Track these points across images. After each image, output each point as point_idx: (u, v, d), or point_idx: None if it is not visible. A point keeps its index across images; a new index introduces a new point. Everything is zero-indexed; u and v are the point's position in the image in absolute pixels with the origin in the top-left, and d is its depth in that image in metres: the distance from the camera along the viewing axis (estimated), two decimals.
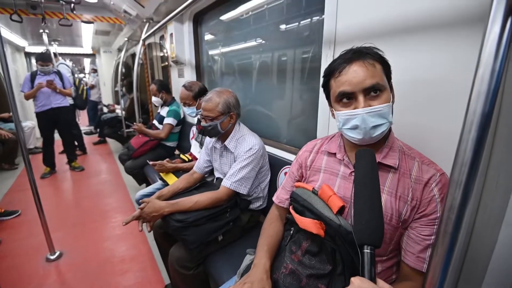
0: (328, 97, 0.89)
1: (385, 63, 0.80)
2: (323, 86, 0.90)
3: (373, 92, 0.76)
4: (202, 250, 1.37)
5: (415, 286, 0.76)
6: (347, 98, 0.79)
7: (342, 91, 0.78)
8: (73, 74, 5.19)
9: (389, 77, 0.81)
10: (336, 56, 0.86)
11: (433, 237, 0.74)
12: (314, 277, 0.78)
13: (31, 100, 3.71)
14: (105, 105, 5.85)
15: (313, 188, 0.85)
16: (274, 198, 1.15)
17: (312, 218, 0.78)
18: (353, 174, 0.87)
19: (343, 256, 0.73)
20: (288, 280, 0.84)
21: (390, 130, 0.85)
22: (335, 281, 0.75)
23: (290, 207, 0.90)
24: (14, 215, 2.80)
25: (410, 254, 0.77)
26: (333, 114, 0.89)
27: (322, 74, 1.31)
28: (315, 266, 0.79)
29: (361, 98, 0.76)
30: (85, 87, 5.28)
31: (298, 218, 0.82)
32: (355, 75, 0.76)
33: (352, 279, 0.58)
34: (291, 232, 0.90)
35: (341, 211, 0.77)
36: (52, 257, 2.14)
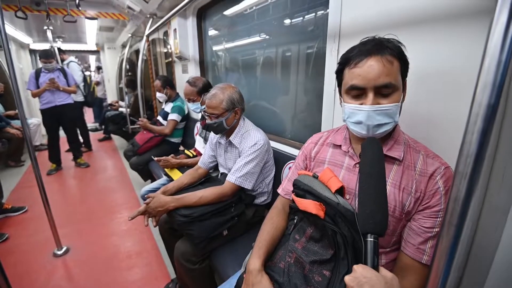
0: (339, 84, 0.88)
1: (404, 60, 0.78)
2: (336, 73, 0.89)
3: (384, 90, 0.75)
4: (207, 244, 1.37)
5: (415, 279, 0.76)
6: (357, 92, 0.79)
7: (354, 85, 0.77)
8: (82, 72, 5.19)
9: (404, 75, 0.80)
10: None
11: (435, 229, 0.75)
12: (317, 263, 0.78)
13: (36, 98, 3.74)
14: (109, 104, 5.84)
15: (314, 173, 0.86)
16: (279, 191, 1.13)
17: (312, 200, 0.79)
18: (357, 165, 0.88)
19: (344, 238, 0.73)
20: (292, 269, 0.84)
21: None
22: (339, 266, 0.75)
23: (293, 194, 0.90)
24: (21, 211, 2.84)
25: (410, 245, 0.77)
26: (341, 102, 0.88)
27: (326, 68, 1.34)
28: (318, 252, 0.79)
29: (371, 95, 0.75)
30: (95, 85, 5.26)
31: (298, 200, 0.83)
32: (370, 70, 0.74)
33: (355, 267, 0.58)
34: (295, 220, 0.90)
35: (340, 191, 0.77)
36: (59, 253, 2.17)
